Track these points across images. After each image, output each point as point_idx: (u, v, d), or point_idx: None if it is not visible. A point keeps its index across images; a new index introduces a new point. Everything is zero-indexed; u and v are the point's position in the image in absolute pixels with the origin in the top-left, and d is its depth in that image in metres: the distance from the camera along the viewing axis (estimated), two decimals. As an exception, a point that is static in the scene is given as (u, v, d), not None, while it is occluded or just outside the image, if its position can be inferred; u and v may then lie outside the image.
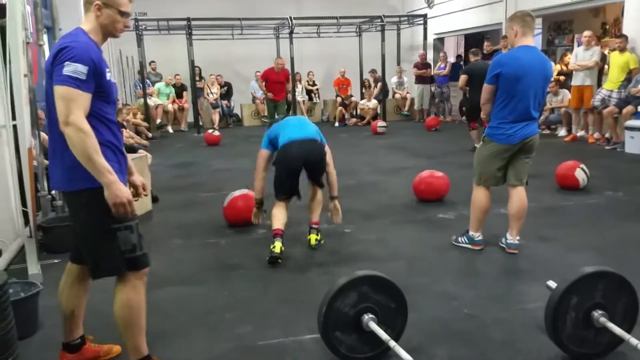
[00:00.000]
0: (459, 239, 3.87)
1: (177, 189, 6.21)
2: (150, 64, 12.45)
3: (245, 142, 10.31)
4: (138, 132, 9.96)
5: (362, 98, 13.21)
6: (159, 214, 5.16)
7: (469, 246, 3.78)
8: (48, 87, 2.00)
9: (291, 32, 12.22)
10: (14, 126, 4.09)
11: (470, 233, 3.79)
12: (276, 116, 8.84)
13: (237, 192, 4.71)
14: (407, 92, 13.38)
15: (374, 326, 2.26)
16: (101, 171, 1.95)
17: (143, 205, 5.10)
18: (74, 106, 1.91)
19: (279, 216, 3.84)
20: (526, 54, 3.41)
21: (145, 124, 10.61)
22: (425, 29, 13.35)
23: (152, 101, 11.72)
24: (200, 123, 12.14)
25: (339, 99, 13.18)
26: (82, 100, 1.94)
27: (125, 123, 9.25)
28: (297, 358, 2.47)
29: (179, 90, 12.52)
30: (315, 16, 12.57)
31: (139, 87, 11.97)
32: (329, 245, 4.06)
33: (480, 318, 2.78)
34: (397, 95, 13.44)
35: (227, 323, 2.85)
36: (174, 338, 2.72)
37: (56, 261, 3.86)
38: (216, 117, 12.57)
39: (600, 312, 2.16)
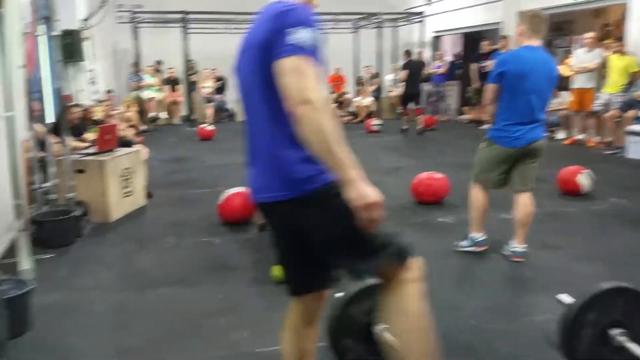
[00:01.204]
0: (462, 243, 3.78)
1: (170, 185, 6.08)
2: (158, 62, 12.29)
3: (239, 137, 10.07)
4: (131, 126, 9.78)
5: (356, 95, 13.11)
6: (152, 211, 5.03)
7: (474, 248, 3.69)
8: (247, 70, 1.61)
9: (289, 27, 12.05)
10: (7, 118, 3.95)
11: (472, 234, 3.71)
12: None
13: (233, 190, 4.60)
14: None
15: (389, 337, 2.16)
16: (346, 163, 1.47)
17: (136, 200, 4.98)
18: (309, 81, 1.46)
19: None
20: (530, 53, 3.36)
21: (135, 120, 10.37)
22: (423, 27, 13.24)
23: (145, 93, 11.55)
24: (194, 117, 11.98)
25: (333, 96, 13.07)
26: (318, 73, 1.50)
27: (120, 116, 9.09)
28: (298, 368, 2.37)
29: (173, 83, 12.35)
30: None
31: (133, 80, 11.79)
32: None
33: (485, 330, 2.68)
34: (393, 94, 13.35)
35: (223, 328, 2.74)
36: (168, 344, 2.61)
37: (49, 256, 3.76)
38: (209, 112, 12.39)
39: (619, 330, 2.08)
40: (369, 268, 1.69)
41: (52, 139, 4.46)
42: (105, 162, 4.49)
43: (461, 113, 12.54)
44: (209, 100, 12.49)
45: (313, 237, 1.66)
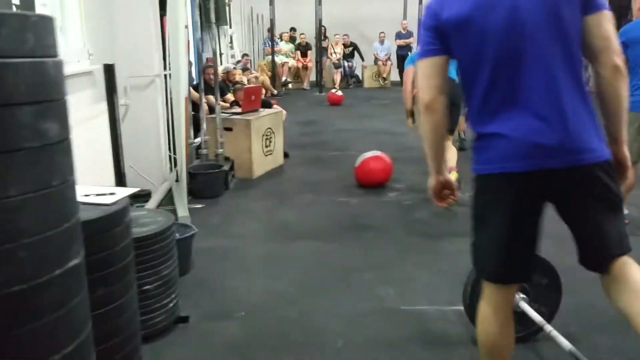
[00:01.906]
0: None
1: (304, 146, 6.29)
2: (292, 30, 12.69)
3: (367, 104, 10.20)
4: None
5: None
6: (289, 169, 5.26)
7: None
8: (538, 19, 1.45)
9: (422, -9, 11.72)
10: (165, 76, 4.33)
11: None
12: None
13: (369, 154, 4.63)
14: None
15: (525, 307, 2.10)
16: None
17: (276, 159, 5.22)
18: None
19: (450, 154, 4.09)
20: None
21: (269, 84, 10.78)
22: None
23: (278, 59, 11.94)
24: (322, 82, 12.21)
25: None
26: None
27: (254, 80, 9.53)
28: (444, 329, 2.38)
29: (304, 49, 12.63)
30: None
31: (267, 45, 12.23)
32: (465, 215, 3.85)
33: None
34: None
35: (368, 283, 2.82)
36: (318, 291, 2.74)
37: (200, 206, 4.08)
38: (337, 77, 12.54)
39: None
40: (617, 250, 1.56)
41: (204, 99, 4.80)
42: (251, 122, 4.75)
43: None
44: (337, 66, 12.64)
45: (593, 206, 1.53)
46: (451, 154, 4.36)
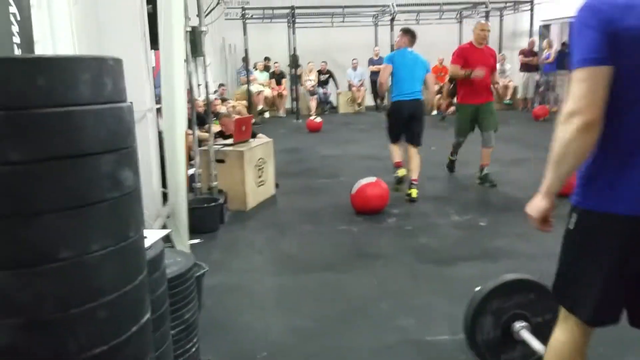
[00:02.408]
0: None
1: (292, 175, 6.24)
2: (265, 59, 12.76)
3: (346, 129, 10.27)
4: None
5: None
6: (282, 199, 5.20)
7: None
8: None
9: (392, 19, 11.98)
10: (157, 110, 4.24)
11: None
12: (481, 133, 5.58)
13: (365, 180, 4.63)
14: (510, 81, 12.74)
15: (526, 335, 2.12)
16: None
17: (268, 189, 5.16)
18: None
19: (396, 152, 5.38)
20: None
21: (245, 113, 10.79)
22: (532, 15, 12.64)
23: (254, 87, 11.94)
24: (297, 109, 12.26)
25: (436, 87, 12.80)
26: None
27: (231, 109, 9.48)
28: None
29: (278, 77, 12.69)
30: (417, 3, 12.28)
31: (242, 74, 12.24)
32: (468, 238, 3.89)
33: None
34: (499, 84, 12.84)
35: (387, 314, 2.77)
36: (337, 325, 2.68)
37: (198, 241, 3.96)
38: (313, 104, 12.63)
39: None
40: None
41: (197, 132, 4.73)
42: (244, 153, 4.69)
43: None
44: (312, 93, 12.74)
45: None
46: (415, 165, 5.07)
